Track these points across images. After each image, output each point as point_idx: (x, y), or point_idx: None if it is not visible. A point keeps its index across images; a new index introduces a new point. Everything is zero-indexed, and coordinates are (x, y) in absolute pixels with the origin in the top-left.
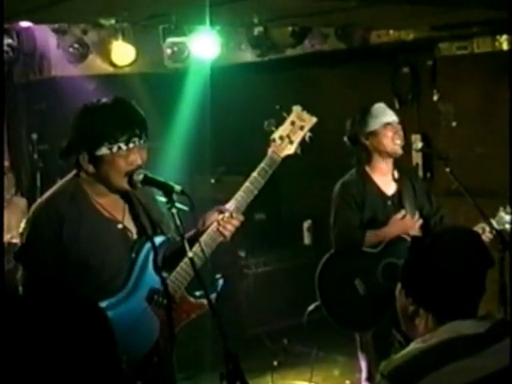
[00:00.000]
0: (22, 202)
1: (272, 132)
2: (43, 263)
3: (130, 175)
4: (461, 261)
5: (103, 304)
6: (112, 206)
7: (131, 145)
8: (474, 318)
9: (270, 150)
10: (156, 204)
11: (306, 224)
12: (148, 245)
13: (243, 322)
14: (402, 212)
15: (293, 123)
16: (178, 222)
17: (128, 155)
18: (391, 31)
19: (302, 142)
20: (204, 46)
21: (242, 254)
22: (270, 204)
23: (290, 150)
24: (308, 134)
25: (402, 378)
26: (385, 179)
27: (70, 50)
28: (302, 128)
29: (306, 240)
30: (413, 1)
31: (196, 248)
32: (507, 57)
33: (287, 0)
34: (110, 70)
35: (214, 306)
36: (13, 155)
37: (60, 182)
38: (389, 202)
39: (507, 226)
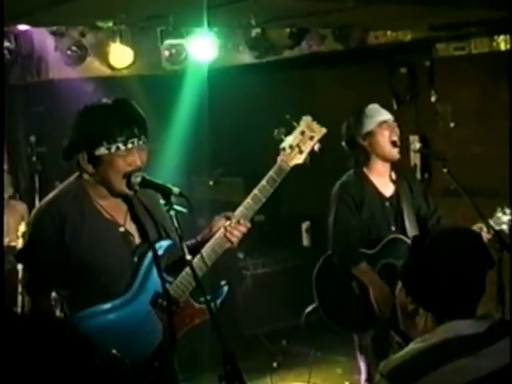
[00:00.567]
0: (21, 206)
1: (282, 141)
2: (45, 264)
3: (127, 178)
4: (461, 261)
5: (107, 306)
6: (114, 209)
7: (130, 145)
8: (472, 317)
9: (279, 159)
10: (160, 207)
11: (305, 225)
12: (152, 249)
13: (242, 323)
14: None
15: (303, 133)
16: (176, 224)
17: (127, 156)
18: (389, 32)
19: (311, 153)
20: (202, 48)
21: (241, 255)
22: (268, 205)
23: (299, 159)
24: (317, 145)
25: (400, 378)
26: (383, 180)
27: (68, 52)
28: (311, 138)
29: (305, 241)
30: (410, 1)
31: (202, 253)
32: (505, 57)
33: (284, 1)
34: (108, 72)
35: (213, 310)
36: (11, 158)
37: (63, 184)
38: (387, 204)
39: (504, 227)
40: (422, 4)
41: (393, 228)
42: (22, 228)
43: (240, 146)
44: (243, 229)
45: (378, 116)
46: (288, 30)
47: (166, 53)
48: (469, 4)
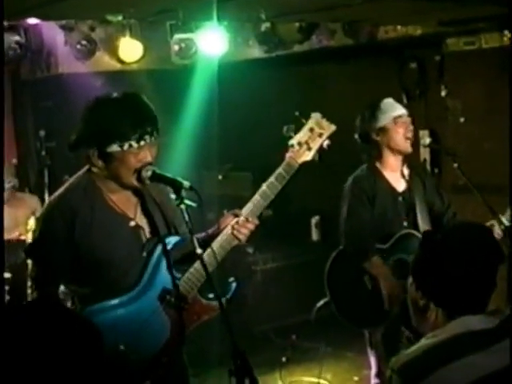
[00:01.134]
0: (31, 199)
1: (290, 138)
2: (55, 259)
3: (138, 171)
4: (471, 256)
5: (115, 301)
6: (124, 203)
7: (142, 142)
8: (483, 313)
9: (287, 156)
10: (170, 202)
11: (314, 220)
12: (161, 244)
13: (251, 319)
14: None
15: (311, 130)
16: (187, 217)
17: (139, 152)
18: (398, 27)
19: (320, 150)
20: (211, 43)
21: (250, 250)
22: (277, 200)
23: (308, 156)
24: (326, 142)
25: (411, 374)
26: (395, 175)
27: (78, 46)
28: (320, 135)
29: (314, 236)
30: None
31: (210, 249)
32: None
33: None
34: (118, 66)
35: (224, 308)
36: (20, 152)
37: (72, 178)
38: (399, 199)
39: None
40: None
41: (405, 223)
42: (32, 222)
43: (249, 140)
44: (251, 226)
45: (393, 111)
46: (297, 24)
47: (176, 47)
48: None
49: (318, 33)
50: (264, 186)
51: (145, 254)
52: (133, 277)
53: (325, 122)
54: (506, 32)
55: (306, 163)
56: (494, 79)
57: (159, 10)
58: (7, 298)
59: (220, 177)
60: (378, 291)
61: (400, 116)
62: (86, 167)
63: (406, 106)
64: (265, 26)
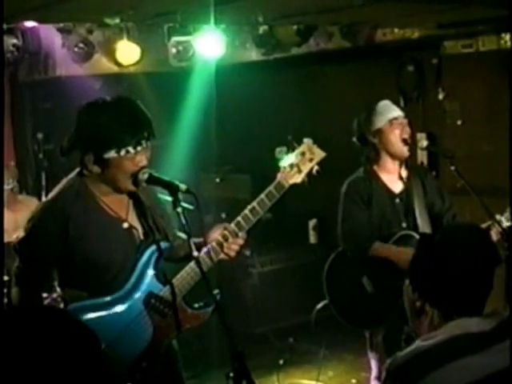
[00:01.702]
0: (31, 201)
1: (282, 159)
2: (40, 260)
3: (135, 175)
4: (468, 258)
5: (99, 301)
6: (117, 205)
7: (139, 148)
8: (480, 315)
9: (279, 176)
10: (159, 203)
11: (312, 223)
12: (151, 248)
13: (249, 321)
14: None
15: (303, 154)
16: (184, 221)
17: (135, 157)
18: (396, 30)
19: (310, 174)
20: (209, 45)
21: (248, 252)
22: (275, 203)
23: (298, 178)
24: (315, 168)
25: (407, 376)
26: (392, 177)
27: (75, 49)
28: (311, 160)
29: (312, 239)
30: None
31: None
32: None
33: None
34: (115, 69)
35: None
36: (18, 155)
37: (64, 181)
38: (397, 200)
39: None
40: (429, 1)
41: (404, 224)
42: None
43: (247, 143)
44: (241, 241)
45: (389, 113)
46: (295, 27)
47: (173, 50)
48: (476, 2)
49: (315, 35)
50: (254, 203)
51: (138, 255)
52: (123, 278)
53: (316, 149)
54: (504, 35)
55: (295, 185)
56: (491, 82)
57: (157, 12)
58: (5, 300)
59: (218, 179)
60: (377, 292)
61: (396, 118)
62: (77, 170)
63: (403, 109)
64: (262, 28)
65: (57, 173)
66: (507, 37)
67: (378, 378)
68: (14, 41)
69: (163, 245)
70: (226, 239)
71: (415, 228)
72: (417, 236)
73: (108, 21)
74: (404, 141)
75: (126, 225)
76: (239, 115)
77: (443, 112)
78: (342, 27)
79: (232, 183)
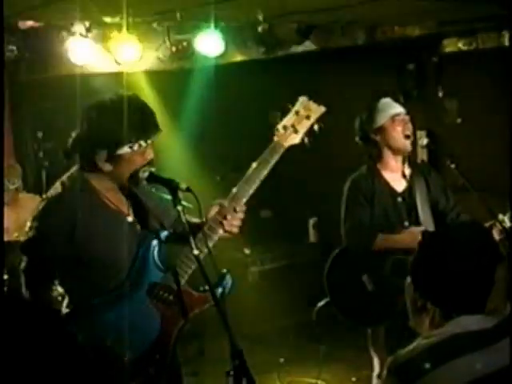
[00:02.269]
0: (34, 199)
1: (277, 123)
2: (50, 257)
3: (135, 173)
4: (469, 256)
5: (103, 299)
6: (118, 200)
7: (149, 141)
8: (481, 313)
9: (274, 140)
10: (152, 195)
11: (312, 221)
12: (149, 238)
13: (249, 319)
14: (421, 228)
15: (297, 113)
16: (184, 219)
17: (145, 151)
18: (396, 28)
19: (310, 132)
20: (209, 44)
21: (248, 251)
22: (275, 201)
23: (295, 139)
24: (316, 125)
25: (408, 374)
26: (395, 176)
27: (75, 48)
28: (308, 117)
29: (312, 237)
30: None
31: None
32: None
33: None
34: (115, 68)
35: (219, 301)
36: (18, 154)
37: (64, 178)
38: (399, 199)
39: None
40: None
41: (406, 223)
42: (29, 220)
43: (248, 141)
44: (241, 215)
45: (390, 109)
46: (295, 25)
47: (173, 48)
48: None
49: (315, 34)
50: (249, 172)
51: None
52: (127, 272)
53: (313, 104)
54: (504, 32)
55: (295, 150)
56: (491, 80)
57: (157, 11)
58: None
59: (218, 178)
60: (378, 289)
61: (398, 114)
62: (76, 166)
63: (404, 107)
64: (262, 27)
65: (57, 171)
66: (507, 34)
67: (381, 375)
68: (14, 40)
69: (162, 233)
70: (225, 216)
71: (418, 226)
72: None
73: (108, 19)
74: (406, 137)
75: (130, 219)
76: (239, 113)
77: (443, 110)
78: (342, 25)
79: (232, 182)
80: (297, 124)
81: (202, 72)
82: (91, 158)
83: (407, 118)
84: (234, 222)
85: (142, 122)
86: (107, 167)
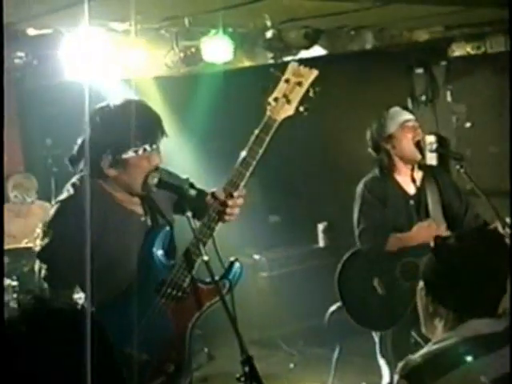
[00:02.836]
0: (43, 206)
1: (268, 97)
2: (68, 262)
3: (144, 179)
4: (482, 260)
5: (113, 303)
6: (131, 201)
7: (154, 146)
8: (492, 316)
9: (266, 115)
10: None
11: (321, 226)
12: (158, 235)
13: (258, 324)
14: (429, 221)
15: (287, 81)
16: (193, 225)
17: (150, 156)
18: (404, 32)
19: (305, 99)
20: (217, 49)
21: (257, 256)
22: (284, 206)
23: (289, 110)
24: (312, 89)
25: (420, 379)
26: (407, 179)
27: (83, 53)
28: (300, 84)
29: (321, 242)
30: (425, 1)
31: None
32: None
33: (300, 2)
34: (123, 73)
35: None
36: (27, 160)
37: (74, 180)
38: (411, 202)
39: None
40: (437, 4)
41: None
42: (42, 226)
43: None
44: (240, 201)
45: (400, 117)
46: (303, 30)
47: (182, 54)
48: (484, 3)
49: (324, 39)
50: (244, 153)
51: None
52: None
53: (303, 69)
54: None
55: (289, 118)
56: (499, 84)
57: (165, 17)
58: (14, 305)
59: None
60: (389, 294)
61: (407, 120)
62: (83, 173)
63: (412, 112)
64: (270, 32)
65: (66, 178)
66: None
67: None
68: (21, 46)
69: (169, 230)
70: (223, 203)
71: None
72: None
73: (115, 25)
74: (417, 144)
75: (143, 218)
76: (247, 119)
77: (452, 114)
78: (350, 30)
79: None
80: (288, 94)
81: (210, 78)
82: (97, 163)
83: (417, 124)
84: (235, 211)
85: (147, 126)
86: (112, 172)
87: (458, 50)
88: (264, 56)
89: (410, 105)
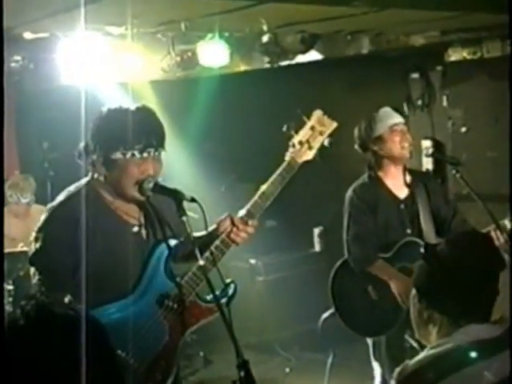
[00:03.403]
0: (41, 209)
1: (291, 137)
2: (59, 267)
3: (140, 183)
4: (473, 265)
5: (112, 307)
6: (127, 209)
7: (145, 154)
8: (488, 321)
9: (288, 155)
10: (171, 211)
11: (317, 231)
12: (160, 248)
13: (254, 329)
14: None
15: (313, 128)
16: (189, 229)
17: (141, 164)
18: (401, 37)
19: (321, 148)
20: (213, 54)
21: (253, 260)
22: (281, 211)
23: (309, 155)
24: (327, 140)
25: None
26: (397, 183)
27: (80, 58)
28: (321, 133)
29: (317, 247)
30: (422, 6)
31: (208, 253)
32: None
33: (296, 6)
34: (120, 77)
35: (224, 312)
36: (23, 163)
37: (72, 186)
38: (402, 206)
39: None
40: (433, 9)
41: (408, 231)
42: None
43: (252, 151)
44: (251, 230)
45: (389, 119)
46: (300, 35)
47: (178, 58)
48: (480, 8)
49: (320, 43)
50: (264, 187)
51: (146, 257)
52: (133, 281)
53: (326, 119)
54: (508, 41)
55: (307, 162)
56: (496, 88)
57: (161, 21)
58: (10, 309)
59: (223, 188)
60: (382, 300)
61: (396, 124)
62: (88, 178)
63: (408, 116)
64: (267, 36)
65: (62, 182)
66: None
67: None
68: (19, 50)
69: (172, 242)
70: (237, 228)
71: (420, 234)
72: (421, 243)
73: (112, 30)
74: (403, 148)
75: (136, 229)
76: (244, 124)
77: (448, 119)
78: (347, 35)
79: (237, 192)
80: (312, 140)
81: (207, 82)
82: (92, 161)
83: (405, 128)
84: (241, 234)
85: (140, 133)
86: (102, 171)
87: (455, 55)
88: (260, 60)
89: (406, 109)
